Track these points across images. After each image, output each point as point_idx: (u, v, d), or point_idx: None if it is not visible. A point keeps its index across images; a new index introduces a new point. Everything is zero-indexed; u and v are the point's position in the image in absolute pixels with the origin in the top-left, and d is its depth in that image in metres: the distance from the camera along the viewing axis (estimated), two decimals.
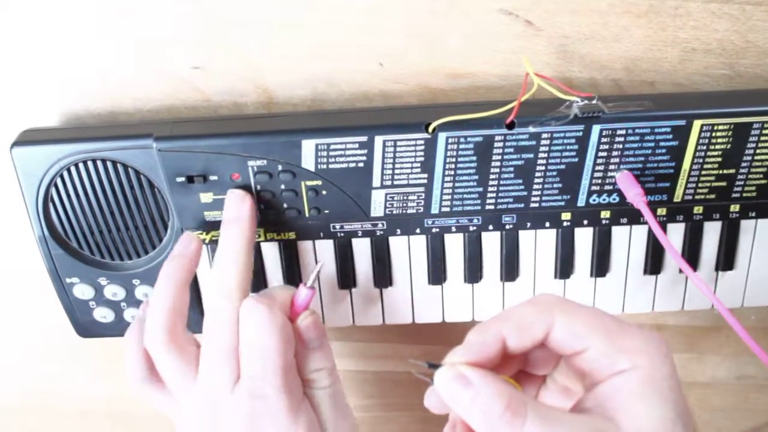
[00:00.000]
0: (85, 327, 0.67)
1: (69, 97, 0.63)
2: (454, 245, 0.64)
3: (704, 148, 0.59)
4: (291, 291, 0.59)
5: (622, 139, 0.58)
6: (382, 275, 0.65)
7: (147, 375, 0.60)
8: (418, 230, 0.63)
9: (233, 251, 0.58)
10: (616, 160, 0.59)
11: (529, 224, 0.63)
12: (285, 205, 0.61)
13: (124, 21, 0.60)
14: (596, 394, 0.46)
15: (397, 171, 0.60)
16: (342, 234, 0.63)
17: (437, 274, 0.65)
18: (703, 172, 0.61)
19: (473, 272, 0.65)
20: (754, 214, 0.63)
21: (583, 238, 0.64)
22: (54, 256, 0.63)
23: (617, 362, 0.45)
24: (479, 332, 0.48)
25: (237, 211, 0.60)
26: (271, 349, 0.55)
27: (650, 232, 0.64)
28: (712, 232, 0.64)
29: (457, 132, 0.58)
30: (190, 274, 0.60)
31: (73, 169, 0.59)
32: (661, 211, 0.63)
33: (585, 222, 0.63)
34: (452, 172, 0.60)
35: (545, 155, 0.59)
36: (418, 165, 0.59)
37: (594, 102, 0.57)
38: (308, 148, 0.58)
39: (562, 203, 0.62)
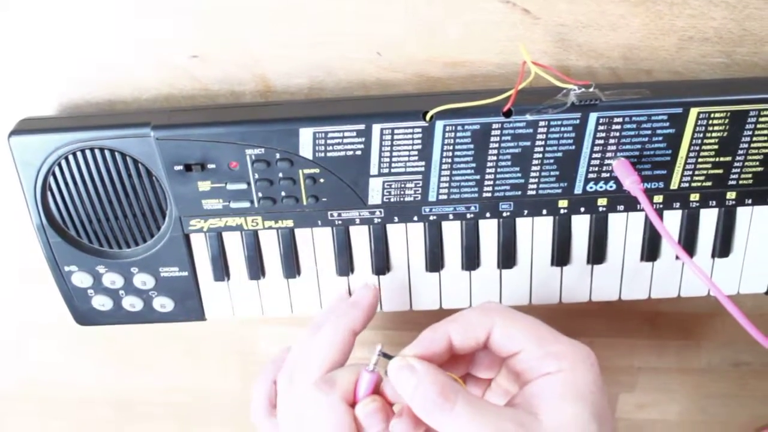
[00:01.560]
0: (84, 315, 0.68)
1: (67, 86, 0.63)
2: (452, 233, 0.65)
3: (701, 135, 0.59)
4: (355, 375, 0.57)
5: (619, 126, 0.59)
6: (380, 263, 0.66)
7: (268, 408, 0.63)
8: (415, 218, 0.63)
9: (334, 334, 0.60)
10: (613, 147, 0.60)
11: (526, 212, 0.63)
12: (283, 193, 0.61)
13: (122, 10, 0.60)
14: (524, 392, 0.52)
15: (394, 159, 0.60)
16: (340, 222, 0.63)
17: (435, 261, 0.66)
18: (700, 160, 0.61)
19: (470, 260, 0.66)
20: (750, 202, 0.63)
21: (580, 225, 0.65)
22: (52, 244, 0.63)
23: (545, 365, 0.52)
24: (430, 330, 0.54)
25: (359, 300, 0.63)
26: None
27: (647, 220, 0.64)
28: (708, 219, 0.65)
29: (455, 120, 0.58)
30: (361, 326, 0.62)
31: (71, 157, 0.60)
32: (658, 198, 0.63)
33: (582, 209, 0.63)
34: (449, 160, 0.60)
35: (542, 143, 0.59)
36: (416, 153, 0.60)
37: (591, 90, 0.57)
38: (306, 136, 0.58)
39: (559, 191, 0.62)
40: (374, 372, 0.55)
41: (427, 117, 0.58)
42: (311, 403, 0.56)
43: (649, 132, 0.59)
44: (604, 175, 0.61)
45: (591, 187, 0.62)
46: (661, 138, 0.59)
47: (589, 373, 0.51)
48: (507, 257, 0.66)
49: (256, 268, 0.66)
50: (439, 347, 0.53)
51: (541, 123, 0.58)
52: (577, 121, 0.58)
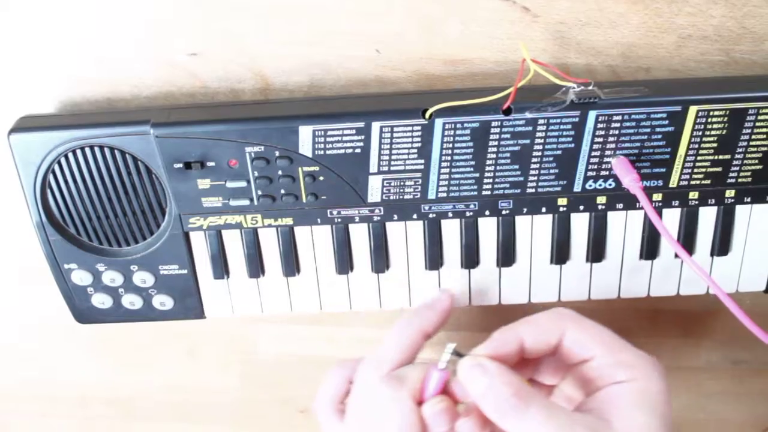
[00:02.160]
0: (84, 313, 0.68)
1: (66, 83, 0.63)
2: (451, 231, 0.65)
3: (700, 133, 0.59)
4: (424, 372, 0.57)
5: (618, 124, 0.59)
6: (380, 261, 0.66)
7: (336, 402, 0.64)
8: (415, 216, 0.64)
9: (408, 332, 0.61)
10: (612, 145, 0.60)
11: (525, 210, 0.63)
12: (282, 191, 0.61)
13: (122, 8, 0.60)
14: (595, 399, 0.52)
15: (394, 157, 0.60)
16: (339, 220, 0.63)
17: (434, 259, 0.66)
18: (699, 158, 0.61)
19: (470, 258, 0.66)
20: (749, 200, 0.64)
21: (580, 223, 0.65)
22: (52, 242, 0.63)
23: (616, 373, 0.52)
24: (502, 332, 0.55)
25: (435, 303, 0.63)
26: None
27: (646, 218, 0.64)
28: (707, 217, 0.65)
29: (454, 118, 0.58)
30: (432, 327, 0.62)
31: (70, 155, 0.60)
32: (657, 196, 0.63)
33: (581, 207, 0.63)
34: (449, 158, 0.60)
35: (542, 141, 0.59)
36: (415, 151, 0.60)
37: (590, 88, 0.57)
38: (305, 134, 0.58)
39: (559, 189, 0.62)
40: (444, 370, 0.55)
41: (427, 115, 0.58)
42: (379, 398, 0.57)
43: (648, 130, 0.59)
44: (603, 173, 0.61)
45: (590, 185, 0.62)
46: (660, 136, 0.59)
47: (658, 383, 0.52)
48: (506, 255, 0.66)
49: (256, 266, 0.66)
50: (510, 349, 0.54)
51: (541, 121, 0.58)
52: (577, 119, 0.58)
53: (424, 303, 0.64)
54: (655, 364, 0.53)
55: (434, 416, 0.55)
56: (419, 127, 0.58)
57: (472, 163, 0.60)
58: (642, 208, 0.62)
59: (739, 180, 0.62)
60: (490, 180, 0.61)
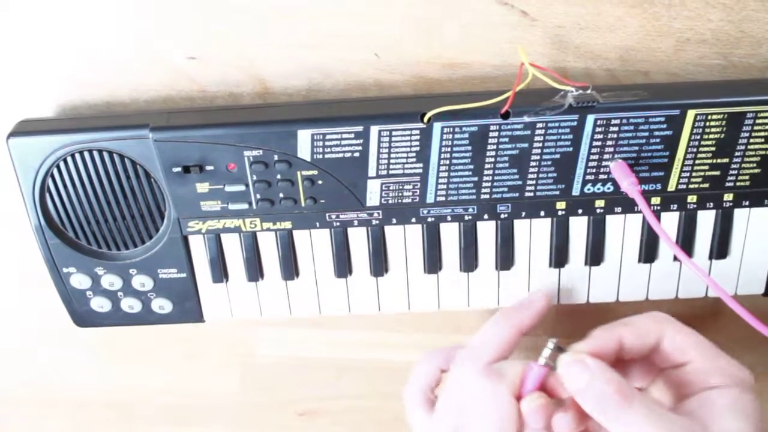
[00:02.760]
0: (83, 316, 0.68)
1: (65, 87, 0.63)
2: (450, 234, 0.65)
3: (698, 137, 0.60)
4: (522, 367, 0.58)
5: (616, 128, 0.59)
6: (378, 264, 0.66)
7: (427, 391, 0.64)
8: (413, 219, 0.64)
9: (504, 327, 0.61)
10: (611, 149, 0.60)
11: (524, 213, 0.63)
12: (281, 195, 0.61)
13: (120, 12, 0.60)
14: (689, 403, 0.53)
15: (392, 160, 0.60)
16: (338, 223, 0.64)
17: (433, 262, 0.66)
18: (697, 162, 0.61)
19: (469, 261, 0.66)
20: (747, 203, 0.64)
21: (578, 227, 0.65)
22: (51, 245, 0.63)
23: (712, 379, 0.53)
24: (603, 330, 0.56)
25: (531, 302, 0.64)
26: (489, 428, 0.56)
27: (644, 221, 0.64)
28: (705, 221, 0.65)
29: (453, 122, 0.58)
30: (527, 325, 0.62)
31: (69, 159, 0.60)
32: (655, 200, 0.63)
33: (580, 211, 0.63)
34: (447, 162, 0.60)
35: (540, 145, 0.59)
36: (414, 154, 0.60)
37: (588, 92, 0.57)
38: (304, 137, 0.58)
39: (557, 192, 0.62)
40: (543, 366, 0.56)
41: (425, 119, 0.58)
42: (477, 391, 0.57)
43: (646, 134, 0.59)
44: (601, 176, 0.61)
45: (589, 189, 0.62)
46: (658, 140, 0.59)
47: (750, 391, 0.53)
48: (505, 259, 0.66)
49: (255, 269, 0.66)
50: (609, 348, 0.55)
51: (539, 125, 0.59)
52: (575, 123, 0.58)
53: (521, 301, 0.65)
54: (748, 373, 0.54)
55: (532, 412, 0.55)
56: (418, 131, 0.58)
57: (471, 167, 0.60)
58: (640, 211, 0.62)
59: (738, 184, 0.62)
60: (489, 184, 0.61)
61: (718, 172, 0.62)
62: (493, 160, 0.60)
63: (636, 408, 0.50)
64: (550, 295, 0.66)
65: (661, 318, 0.57)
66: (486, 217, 0.64)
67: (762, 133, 0.60)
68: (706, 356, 0.54)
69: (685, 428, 0.50)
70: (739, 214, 0.64)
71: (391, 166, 0.60)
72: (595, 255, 0.66)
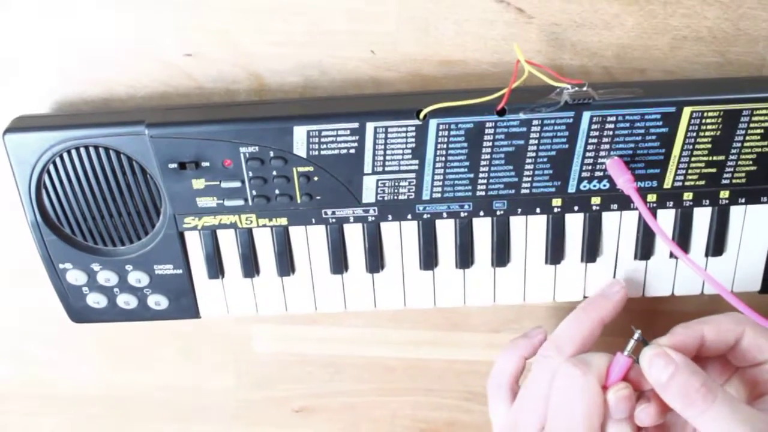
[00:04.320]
0: (79, 312, 0.68)
1: (61, 84, 0.63)
2: (446, 231, 0.65)
3: (694, 134, 0.60)
4: (608, 359, 0.58)
5: (612, 125, 0.59)
6: (374, 261, 0.66)
7: (512, 382, 0.64)
8: (409, 216, 0.64)
9: (586, 319, 0.61)
10: (607, 146, 0.60)
11: (519, 210, 0.63)
12: (277, 192, 0.62)
13: (117, 8, 0.60)
14: (767, 401, 0.55)
15: (388, 157, 0.60)
16: (334, 220, 0.64)
17: (428, 259, 0.66)
18: (693, 159, 0.61)
19: (464, 258, 0.66)
20: (743, 201, 0.64)
21: (574, 224, 0.65)
22: (47, 242, 0.63)
23: None
24: (685, 327, 0.57)
25: (610, 293, 0.64)
26: (576, 417, 0.56)
27: (640, 218, 0.64)
28: (702, 218, 0.65)
29: (448, 119, 0.58)
30: (608, 316, 0.62)
31: (65, 155, 0.60)
32: (651, 197, 0.63)
33: (575, 208, 0.63)
34: (443, 159, 0.60)
35: (536, 142, 0.59)
36: (410, 151, 0.60)
37: (584, 89, 0.57)
38: (300, 134, 0.58)
39: (553, 189, 0.62)
40: (630, 357, 0.56)
41: (421, 116, 0.58)
42: (566, 380, 0.57)
43: (642, 131, 0.59)
44: (597, 174, 0.61)
45: (584, 186, 0.62)
46: (654, 137, 0.59)
47: None
48: (501, 256, 0.66)
49: (251, 266, 0.66)
50: (691, 344, 0.56)
51: (535, 122, 0.59)
52: (571, 120, 0.58)
53: (600, 292, 0.65)
54: None
55: (618, 402, 0.56)
56: (413, 128, 0.59)
57: (467, 163, 0.60)
58: (636, 208, 0.62)
59: (734, 181, 0.62)
60: (485, 181, 0.61)
61: (714, 170, 0.62)
62: (488, 157, 0.60)
63: (720, 403, 0.51)
64: (627, 285, 0.66)
65: (742, 318, 0.57)
66: (482, 213, 0.64)
67: (758, 131, 0.60)
68: None
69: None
70: (735, 212, 0.64)
71: (387, 163, 0.60)
72: (590, 252, 0.66)
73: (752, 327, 0.57)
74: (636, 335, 0.56)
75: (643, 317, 0.75)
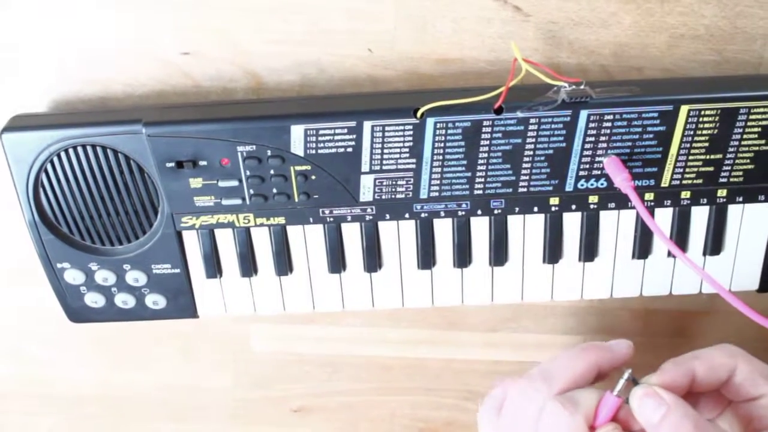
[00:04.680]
0: (77, 312, 0.68)
1: (59, 82, 0.63)
2: (443, 230, 0.65)
3: (691, 133, 0.60)
4: (598, 397, 0.56)
5: (609, 124, 0.59)
6: (372, 260, 0.66)
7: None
8: (407, 215, 0.64)
9: (584, 360, 0.58)
10: (604, 145, 0.60)
11: (517, 209, 0.63)
12: (274, 190, 0.61)
13: (115, 7, 0.60)
14: None
15: (385, 156, 0.60)
16: (331, 219, 0.64)
17: (426, 258, 0.66)
18: (691, 157, 0.61)
19: (462, 257, 0.66)
20: (741, 199, 0.64)
21: (572, 222, 0.65)
22: (45, 241, 0.63)
23: None
24: (674, 363, 0.55)
25: (616, 345, 0.60)
26: None
27: (638, 217, 0.64)
28: (699, 217, 0.65)
29: (446, 117, 0.58)
30: (606, 365, 0.59)
31: (63, 154, 0.60)
32: (649, 196, 0.63)
33: (573, 207, 0.63)
34: (440, 157, 0.60)
35: (533, 140, 0.59)
36: (407, 150, 0.60)
37: (582, 87, 0.57)
38: (297, 133, 0.58)
39: (551, 188, 0.62)
40: (619, 397, 0.54)
41: (418, 114, 0.58)
42: (552, 418, 0.55)
43: (639, 129, 0.59)
44: (595, 172, 0.61)
45: (582, 185, 0.62)
46: (651, 135, 0.59)
47: None
48: (499, 255, 0.66)
49: (248, 265, 0.66)
50: (682, 381, 0.54)
51: (532, 120, 0.59)
52: (568, 119, 0.58)
53: (607, 343, 0.62)
54: None
55: None
56: (411, 127, 0.59)
57: (464, 162, 0.60)
58: (634, 207, 0.62)
59: (731, 179, 0.62)
60: (482, 179, 0.61)
61: (711, 168, 0.62)
62: (486, 155, 0.60)
63: None
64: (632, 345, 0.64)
65: (734, 351, 0.56)
66: (479, 212, 0.64)
67: (755, 129, 0.60)
68: None
69: None
70: (733, 210, 0.64)
71: (385, 162, 0.60)
72: (588, 251, 0.66)
73: (745, 360, 0.55)
74: (626, 374, 0.54)
75: (641, 316, 0.75)
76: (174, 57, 0.62)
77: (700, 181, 0.62)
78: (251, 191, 0.61)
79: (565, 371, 0.58)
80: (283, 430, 0.83)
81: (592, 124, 0.59)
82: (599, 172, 0.61)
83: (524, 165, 0.61)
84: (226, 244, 0.65)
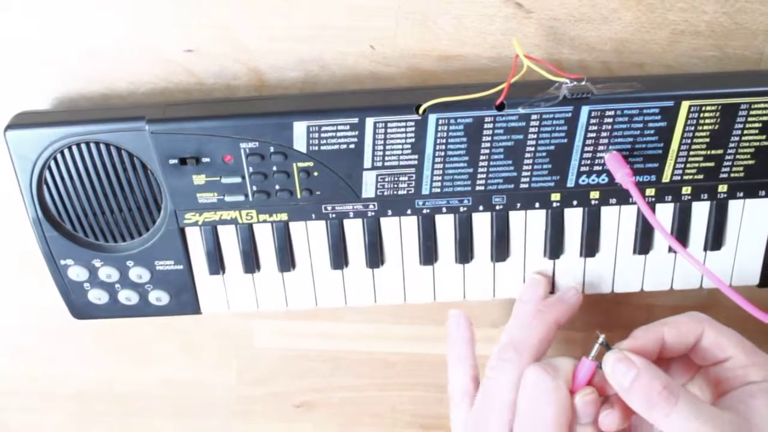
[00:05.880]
0: (80, 309, 0.68)
1: (62, 80, 0.63)
2: (445, 226, 0.65)
3: (692, 128, 0.60)
4: (574, 363, 0.58)
5: (610, 120, 0.59)
6: (374, 256, 0.66)
7: (471, 391, 0.63)
8: (409, 211, 0.64)
9: (543, 322, 0.61)
10: (605, 140, 0.60)
11: (519, 205, 0.64)
12: (277, 187, 0.62)
13: (118, 4, 0.61)
14: (729, 398, 0.55)
15: (387, 152, 0.60)
16: (334, 215, 0.64)
17: (428, 254, 0.66)
18: (692, 153, 0.61)
19: (464, 253, 0.66)
20: (741, 195, 0.64)
21: (573, 218, 0.65)
22: (48, 238, 0.64)
23: (750, 374, 0.55)
24: (645, 329, 0.58)
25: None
26: (548, 421, 0.56)
27: (639, 213, 0.65)
28: (700, 212, 0.65)
29: (447, 113, 0.58)
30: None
31: (66, 151, 0.60)
32: (650, 191, 0.63)
33: (574, 202, 0.64)
34: (442, 154, 0.60)
35: (535, 136, 0.60)
36: (409, 146, 0.60)
37: (583, 83, 0.58)
38: (300, 129, 0.59)
39: (552, 184, 0.62)
40: (595, 361, 0.57)
41: (420, 110, 0.58)
42: (535, 385, 0.57)
43: (640, 125, 0.59)
44: (596, 168, 0.62)
45: (583, 181, 0.62)
46: (652, 131, 0.60)
47: None
48: (500, 250, 0.66)
49: (251, 261, 0.66)
50: (652, 347, 0.57)
51: (534, 116, 0.59)
52: (569, 115, 0.59)
53: (557, 296, 0.65)
54: None
55: (585, 407, 0.56)
56: (413, 123, 0.59)
57: (466, 158, 0.61)
58: (635, 203, 0.62)
59: (732, 175, 0.62)
60: (484, 175, 0.62)
61: (712, 164, 0.62)
62: (488, 151, 0.60)
63: (682, 404, 0.52)
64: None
65: (701, 317, 0.58)
66: (481, 208, 0.64)
67: (756, 125, 0.60)
68: (744, 353, 0.56)
69: (730, 423, 0.52)
70: (734, 206, 0.65)
71: (387, 158, 0.60)
72: (590, 246, 0.66)
73: (711, 326, 0.57)
74: (600, 339, 0.57)
75: (642, 311, 0.75)
76: (177, 54, 0.63)
77: (700, 176, 0.62)
78: (254, 188, 0.62)
79: (532, 338, 0.60)
80: (286, 425, 0.83)
81: (593, 120, 0.59)
82: (600, 168, 0.62)
83: (526, 161, 0.61)
84: (229, 241, 0.65)
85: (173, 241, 0.65)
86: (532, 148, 0.60)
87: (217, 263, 0.66)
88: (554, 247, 0.66)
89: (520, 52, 0.57)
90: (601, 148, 0.60)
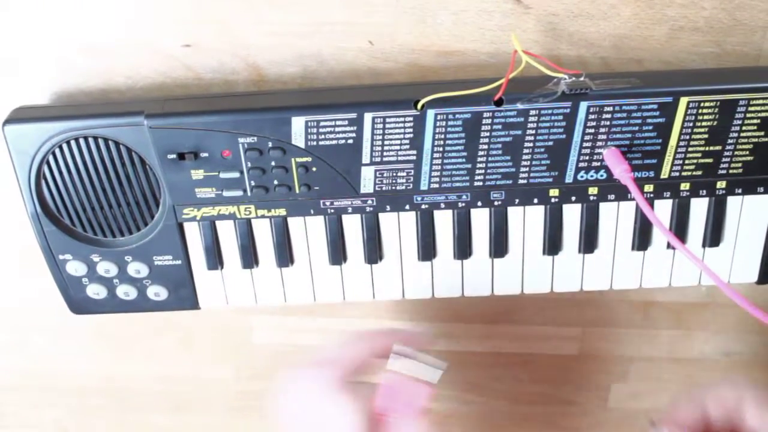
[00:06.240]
0: (79, 304, 0.68)
1: (61, 75, 0.63)
2: (444, 221, 0.65)
3: (691, 124, 0.60)
4: (374, 385, 0.58)
5: (609, 115, 0.59)
6: (372, 251, 0.66)
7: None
8: (407, 207, 0.64)
9: (362, 349, 0.60)
10: (604, 136, 0.60)
11: (517, 201, 0.64)
12: (275, 182, 0.62)
13: None
14: None
15: (386, 147, 0.60)
16: (332, 210, 0.64)
17: (427, 250, 0.66)
18: (690, 149, 0.61)
19: (462, 248, 0.66)
20: (740, 191, 0.64)
21: (571, 214, 0.65)
22: (47, 233, 0.64)
23: None
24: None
25: (387, 332, 0.64)
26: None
27: (638, 209, 0.65)
28: (698, 208, 0.65)
29: (446, 109, 0.58)
30: (381, 351, 0.60)
31: (65, 146, 0.60)
32: (648, 187, 0.63)
33: (573, 198, 0.64)
34: (441, 149, 0.60)
35: (533, 132, 0.60)
36: (407, 141, 0.60)
37: (581, 79, 0.58)
38: (298, 125, 0.59)
39: (550, 180, 0.62)
40: (391, 372, 0.56)
41: (419, 106, 0.58)
42: (334, 404, 0.56)
43: (639, 121, 0.59)
44: (594, 164, 0.62)
45: (582, 176, 0.62)
46: (651, 127, 0.60)
47: None
48: (499, 246, 0.66)
49: (250, 256, 0.66)
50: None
51: (532, 112, 0.59)
52: (568, 110, 0.59)
53: (379, 330, 0.65)
54: None
55: None
56: (411, 118, 0.59)
57: (464, 154, 0.61)
58: (634, 199, 0.62)
59: (730, 171, 0.62)
60: (482, 171, 0.62)
61: (710, 160, 0.62)
62: (486, 147, 0.60)
63: None
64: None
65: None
66: (480, 204, 0.64)
67: (754, 121, 0.60)
68: None
69: None
70: (732, 202, 0.65)
71: (385, 153, 0.60)
72: (588, 242, 0.66)
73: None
74: (394, 346, 0.57)
75: (641, 308, 0.75)
76: (175, 49, 0.63)
77: (699, 172, 0.62)
78: (252, 183, 0.62)
79: (344, 361, 0.59)
80: None
81: (591, 116, 0.59)
82: (599, 164, 0.62)
83: (524, 156, 0.61)
84: (228, 236, 0.65)
85: (171, 236, 0.65)
86: (531, 144, 0.60)
87: (215, 258, 0.66)
88: (553, 243, 0.66)
89: (518, 47, 0.57)
90: (599, 143, 0.60)
